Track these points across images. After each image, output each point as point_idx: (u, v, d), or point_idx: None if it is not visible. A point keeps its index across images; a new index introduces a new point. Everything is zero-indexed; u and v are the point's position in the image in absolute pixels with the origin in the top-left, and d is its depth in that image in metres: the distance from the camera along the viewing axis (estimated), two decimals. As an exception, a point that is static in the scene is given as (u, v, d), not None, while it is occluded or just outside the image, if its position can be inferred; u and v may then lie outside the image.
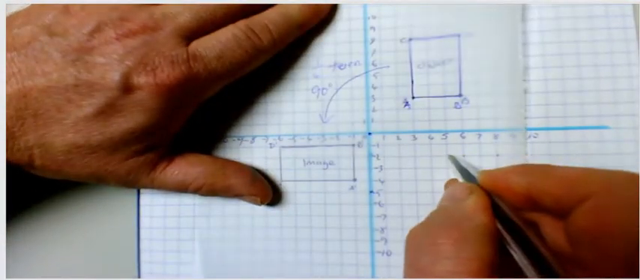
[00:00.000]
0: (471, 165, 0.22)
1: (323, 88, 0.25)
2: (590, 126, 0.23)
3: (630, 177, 0.17)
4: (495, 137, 0.24)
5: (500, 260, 0.17)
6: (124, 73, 0.20)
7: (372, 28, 0.25)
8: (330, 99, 0.25)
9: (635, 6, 0.23)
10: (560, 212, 0.17)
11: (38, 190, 0.27)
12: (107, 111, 0.20)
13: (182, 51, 0.21)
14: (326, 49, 0.25)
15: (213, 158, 0.25)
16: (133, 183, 0.22)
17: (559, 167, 0.18)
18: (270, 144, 0.26)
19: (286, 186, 0.26)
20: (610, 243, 0.15)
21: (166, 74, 0.20)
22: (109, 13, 0.21)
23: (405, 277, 0.17)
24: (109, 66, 0.20)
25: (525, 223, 0.18)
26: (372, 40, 0.25)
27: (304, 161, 0.25)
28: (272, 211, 0.26)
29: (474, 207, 0.18)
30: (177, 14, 0.22)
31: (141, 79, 0.20)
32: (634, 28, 0.23)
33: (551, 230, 0.18)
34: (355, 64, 0.25)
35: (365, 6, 0.25)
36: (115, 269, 0.27)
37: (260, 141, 0.26)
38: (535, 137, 0.23)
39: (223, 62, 0.22)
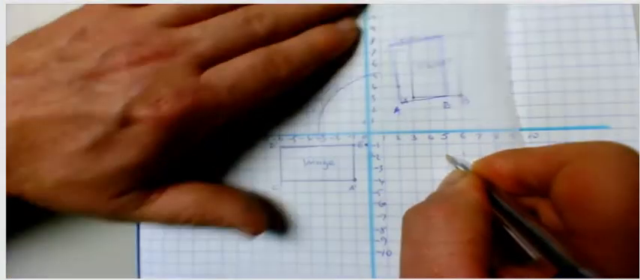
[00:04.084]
0: (469, 163, 0.22)
1: (323, 88, 0.25)
2: (590, 126, 0.23)
3: (605, 142, 0.17)
4: (495, 137, 0.24)
5: (500, 246, 0.17)
6: (126, 105, 0.19)
7: (372, 28, 0.25)
8: (330, 99, 0.25)
9: (635, 6, 0.23)
10: (545, 189, 0.18)
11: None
12: (101, 145, 0.19)
13: (192, 80, 0.20)
14: (326, 49, 0.25)
15: (206, 184, 0.23)
16: (122, 219, 0.22)
17: (540, 147, 0.19)
18: (270, 144, 0.26)
19: (286, 186, 0.26)
20: (589, 205, 0.16)
21: (169, 106, 0.19)
22: (124, 37, 0.20)
23: (401, 253, 0.18)
24: (113, 96, 0.19)
25: (523, 208, 0.18)
26: (372, 40, 0.25)
27: (304, 161, 0.25)
28: (272, 211, 0.25)
29: (466, 185, 0.19)
30: (196, 40, 0.21)
31: (141, 112, 0.19)
32: (634, 28, 0.23)
33: (548, 212, 0.18)
34: (355, 64, 0.25)
35: (365, 6, 0.25)
36: (115, 269, 0.27)
37: (260, 141, 0.26)
38: (535, 137, 0.23)
39: (234, 94, 0.21)
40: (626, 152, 0.17)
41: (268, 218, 0.23)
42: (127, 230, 0.27)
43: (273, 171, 0.26)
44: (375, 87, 0.25)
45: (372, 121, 0.25)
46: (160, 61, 0.20)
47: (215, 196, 0.22)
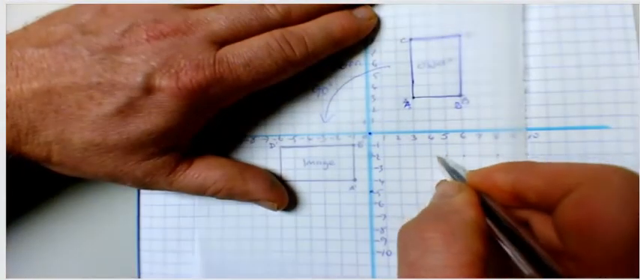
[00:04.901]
0: (459, 165, 0.22)
1: (323, 88, 0.25)
2: (590, 126, 0.23)
3: (613, 169, 0.17)
4: (495, 137, 0.24)
5: (493, 259, 0.17)
6: (148, 74, 0.20)
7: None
8: (330, 99, 0.25)
9: (635, 6, 0.23)
10: (546, 207, 0.18)
11: (39, 190, 0.27)
12: (126, 110, 0.20)
13: (209, 55, 0.21)
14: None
15: (233, 161, 0.24)
16: (151, 184, 0.22)
17: (542, 163, 0.19)
18: (271, 144, 0.26)
19: (286, 186, 0.25)
20: (596, 234, 0.16)
21: (189, 77, 0.20)
22: (143, 15, 0.21)
23: (398, 273, 0.18)
24: (134, 66, 0.20)
25: (516, 220, 0.18)
26: (372, 40, 0.25)
27: (304, 161, 0.25)
28: (272, 211, 0.26)
29: (463, 202, 0.18)
30: (211, 20, 0.22)
31: (163, 81, 0.20)
32: (634, 28, 0.23)
33: (541, 226, 0.18)
34: (355, 64, 0.25)
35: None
36: (115, 269, 0.27)
37: (260, 141, 0.26)
38: (535, 137, 0.23)
39: (250, 71, 0.21)
40: (633, 180, 0.16)
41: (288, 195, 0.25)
42: (127, 230, 0.27)
43: (273, 171, 0.26)
44: (375, 87, 0.25)
45: (372, 121, 0.25)
46: (178, 37, 0.21)
47: (242, 173, 0.23)
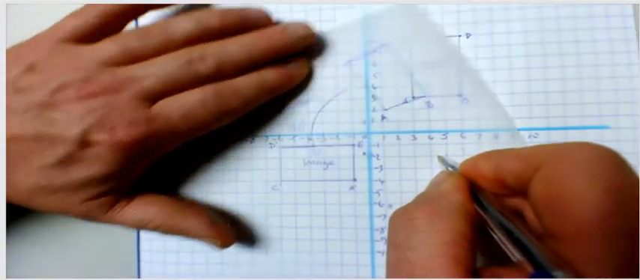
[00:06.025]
0: (458, 163, 0.22)
1: (323, 88, 0.25)
2: (590, 126, 0.23)
3: (580, 144, 0.17)
4: (495, 137, 0.24)
5: (486, 246, 0.17)
6: (83, 130, 0.20)
7: (373, 28, 0.25)
8: (330, 99, 0.25)
9: (635, 6, 0.23)
10: (524, 190, 0.18)
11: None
12: (67, 161, 0.20)
13: (142, 113, 0.21)
14: (326, 48, 0.25)
15: (173, 199, 0.24)
16: (93, 219, 0.23)
17: (519, 148, 0.19)
18: (270, 144, 0.26)
19: (286, 186, 0.26)
20: (563, 208, 0.16)
21: (124, 133, 0.21)
22: (71, 73, 0.21)
23: (386, 256, 0.18)
24: (69, 122, 0.20)
25: (509, 209, 0.18)
26: (372, 40, 0.25)
27: (304, 161, 0.25)
28: (272, 211, 0.26)
29: (450, 187, 0.19)
30: (141, 78, 0.21)
31: (99, 137, 0.20)
32: (634, 28, 0.23)
33: (532, 213, 0.18)
34: (355, 64, 0.25)
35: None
36: (115, 269, 0.27)
37: (260, 141, 0.26)
38: (535, 137, 0.23)
39: (187, 121, 0.22)
40: (602, 153, 0.16)
41: (235, 232, 0.25)
42: (127, 231, 0.27)
43: (273, 171, 0.26)
44: (375, 87, 0.25)
45: (372, 121, 0.25)
46: (109, 96, 0.21)
47: (180, 210, 0.23)
